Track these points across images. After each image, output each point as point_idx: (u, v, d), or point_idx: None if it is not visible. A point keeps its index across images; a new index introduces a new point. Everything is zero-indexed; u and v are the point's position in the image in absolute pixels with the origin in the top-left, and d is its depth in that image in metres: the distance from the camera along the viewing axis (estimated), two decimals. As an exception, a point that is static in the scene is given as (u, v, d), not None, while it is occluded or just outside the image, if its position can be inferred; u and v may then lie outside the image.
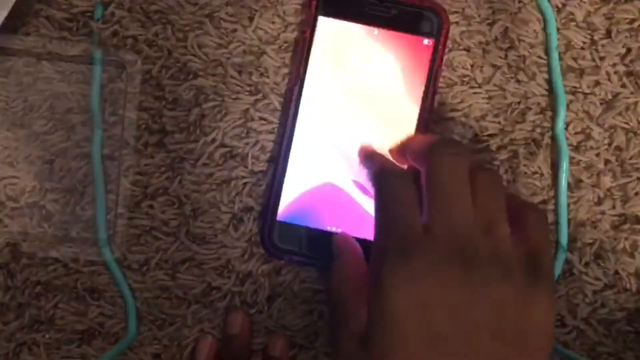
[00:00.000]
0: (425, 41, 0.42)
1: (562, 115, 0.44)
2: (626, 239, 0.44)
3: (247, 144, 0.43)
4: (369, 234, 0.41)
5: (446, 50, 0.43)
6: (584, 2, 0.44)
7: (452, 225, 0.33)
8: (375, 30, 0.42)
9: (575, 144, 0.44)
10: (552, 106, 0.44)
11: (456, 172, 0.35)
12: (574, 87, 0.44)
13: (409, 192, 0.35)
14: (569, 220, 0.44)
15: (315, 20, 0.42)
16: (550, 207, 0.44)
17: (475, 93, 0.44)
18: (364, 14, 0.42)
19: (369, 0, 0.42)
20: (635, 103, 0.44)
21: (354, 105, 0.42)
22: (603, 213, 0.44)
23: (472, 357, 0.30)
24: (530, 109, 0.44)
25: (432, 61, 0.42)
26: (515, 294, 0.31)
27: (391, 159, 0.41)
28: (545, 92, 0.44)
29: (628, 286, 0.44)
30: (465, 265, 0.31)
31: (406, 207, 0.34)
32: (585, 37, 0.44)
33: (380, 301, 0.31)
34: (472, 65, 0.44)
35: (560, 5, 0.44)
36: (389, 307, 0.31)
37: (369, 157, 0.40)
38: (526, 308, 0.31)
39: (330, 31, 0.42)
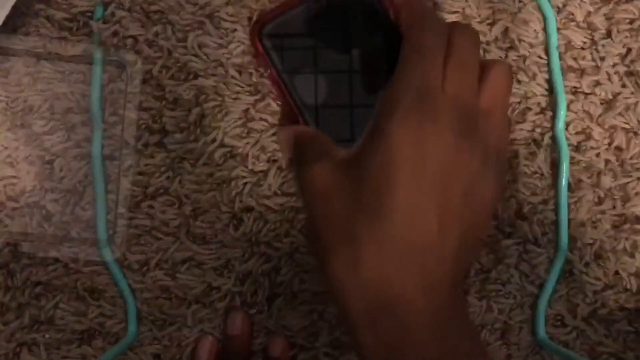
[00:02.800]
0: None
1: (562, 115, 0.44)
2: (626, 239, 0.44)
3: (247, 143, 0.43)
4: None
5: None
6: (584, 2, 0.44)
7: (461, 93, 0.36)
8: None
9: (575, 144, 0.44)
10: (552, 106, 0.44)
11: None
12: (574, 87, 0.44)
13: (439, 49, 0.37)
14: (569, 220, 0.44)
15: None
16: (550, 207, 0.44)
17: (475, 93, 0.44)
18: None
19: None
20: (636, 103, 0.44)
21: None
22: (603, 213, 0.44)
23: (441, 203, 0.34)
24: (530, 109, 0.44)
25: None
26: (480, 172, 0.36)
27: None
28: (546, 92, 0.44)
29: (628, 286, 0.44)
30: (462, 133, 0.35)
31: (434, 62, 0.36)
32: (585, 37, 0.44)
33: (383, 134, 0.35)
34: (472, 65, 0.44)
35: (560, 5, 0.44)
36: (391, 140, 0.34)
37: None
38: (483, 182, 0.36)
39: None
